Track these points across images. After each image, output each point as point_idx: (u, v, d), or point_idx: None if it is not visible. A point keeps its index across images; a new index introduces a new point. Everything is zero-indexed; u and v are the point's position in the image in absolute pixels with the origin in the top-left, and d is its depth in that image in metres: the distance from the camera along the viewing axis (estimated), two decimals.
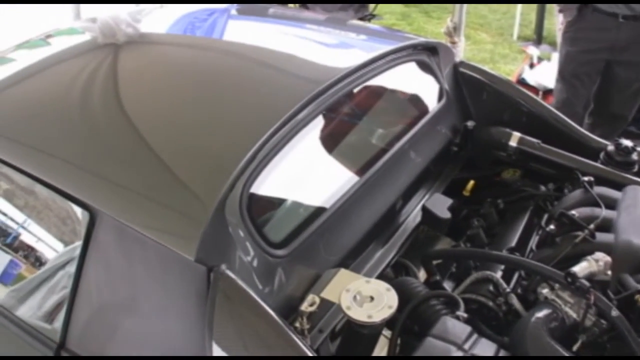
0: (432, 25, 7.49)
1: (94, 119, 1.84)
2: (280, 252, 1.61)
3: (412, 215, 2.15)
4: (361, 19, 4.89)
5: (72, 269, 1.71)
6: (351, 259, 1.87)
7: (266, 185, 1.65)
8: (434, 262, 2.05)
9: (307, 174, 1.86)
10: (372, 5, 5.92)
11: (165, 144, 1.71)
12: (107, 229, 1.57)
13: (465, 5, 4.34)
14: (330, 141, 1.96)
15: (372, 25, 2.86)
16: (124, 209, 1.57)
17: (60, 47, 2.43)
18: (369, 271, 1.89)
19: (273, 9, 2.94)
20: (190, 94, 1.89)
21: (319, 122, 1.86)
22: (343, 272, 1.66)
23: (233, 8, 2.81)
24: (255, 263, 1.55)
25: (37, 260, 1.86)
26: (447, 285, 2.03)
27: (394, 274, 2.02)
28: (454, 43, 4.18)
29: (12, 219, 1.90)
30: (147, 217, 1.56)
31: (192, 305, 1.46)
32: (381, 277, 1.88)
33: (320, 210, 1.77)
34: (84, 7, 5.40)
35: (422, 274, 2.06)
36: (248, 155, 1.58)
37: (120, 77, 2.03)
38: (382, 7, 6.40)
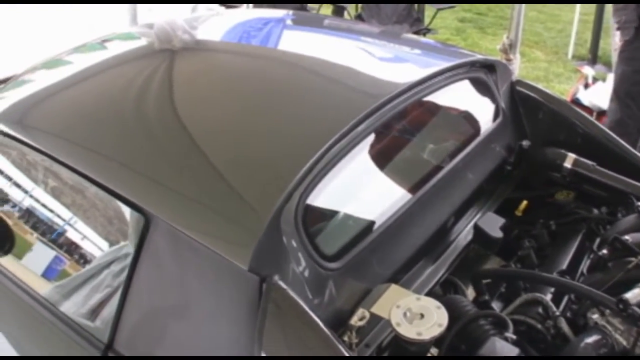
0: (486, 42, 7.43)
1: (151, 124, 1.85)
2: (332, 265, 1.59)
3: (464, 234, 2.12)
4: (416, 32, 4.89)
5: (117, 268, 1.73)
6: (401, 275, 1.85)
7: (321, 198, 1.63)
8: (484, 281, 2.01)
9: (361, 188, 1.85)
10: (427, 20, 5.93)
11: (222, 152, 1.71)
12: (161, 234, 1.57)
13: (521, 23, 4.30)
14: (386, 156, 1.95)
15: (429, 39, 2.83)
16: (179, 215, 1.58)
17: (116, 51, 2.47)
18: (418, 288, 1.87)
19: (328, 19, 2.95)
20: (247, 103, 1.89)
21: (375, 137, 1.84)
22: (394, 288, 1.64)
23: (289, 18, 2.81)
24: (307, 275, 1.53)
25: (81, 258, 1.88)
26: (496, 306, 1.99)
27: (442, 291, 1.99)
28: (509, 60, 4.13)
29: (59, 216, 1.93)
30: (201, 224, 1.56)
31: (242, 314, 1.45)
32: (430, 294, 1.85)
33: (373, 225, 1.75)
34: (140, 12, 5.48)
35: (470, 292, 2.03)
36: (307, 166, 1.57)
37: (176, 83, 2.05)
38: (436, 22, 6.39)
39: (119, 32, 2.70)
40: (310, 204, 1.59)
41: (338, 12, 6.15)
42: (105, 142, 1.82)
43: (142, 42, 2.48)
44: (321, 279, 1.57)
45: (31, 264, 1.97)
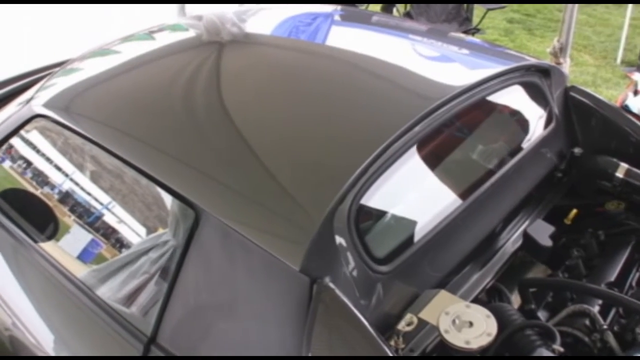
0: (534, 44, 7.33)
1: (203, 118, 1.84)
2: (383, 268, 1.57)
3: (512, 240, 2.08)
4: (465, 32, 4.83)
5: (155, 255, 1.73)
6: (447, 280, 1.83)
7: (374, 200, 1.61)
8: (530, 290, 1.97)
9: (412, 191, 1.82)
10: (476, 19, 5.86)
11: (276, 149, 1.70)
12: (211, 230, 1.56)
13: (572, 26, 4.22)
14: (438, 160, 1.92)
15: (480, 40, 2.78)
16: (231, 211, 1.57)
17: (165, 42, 2.47)
18: (464, 294, 1.84)
19: (378, 16, 2.91)
20: (301, 100, 1.88)
21: (428, 140, 1.81)
22: (443, 294, 1.62)
23: (338, 13, 2.78)
24: (357, 277, 1.52)
25: (117, 243, 1.89)
26: (541, 315, 1.96)
27: (487, 298, 1.95)
28: (559, 64, 4.06)
29: (99, 201, 1.95)
30: (253, 222, 1.55)
31: (291, 315, 1.43)
32: (475, 300, 1.83)
33: (424, 230, 1.72)
34: (189, 5, 5.51)
35: (514, 299, 1.99)
36: (362, 167, 1.55)
37: (226, 77, 2.04)
38: (485, 22, 6.32)
39: (168, 24, 2.70)
40: (363, 206, 1.57)
41: (387, 10, 6.12)
42: (156, 135, 1.82)
43: (191, 33, 2.48)
44: (371, 282, 1.55)
45: (69, 247, 1.98)
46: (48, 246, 1.99)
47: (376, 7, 6.65)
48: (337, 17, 2.72)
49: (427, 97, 1.83)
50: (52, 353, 1.89)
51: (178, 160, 1.73)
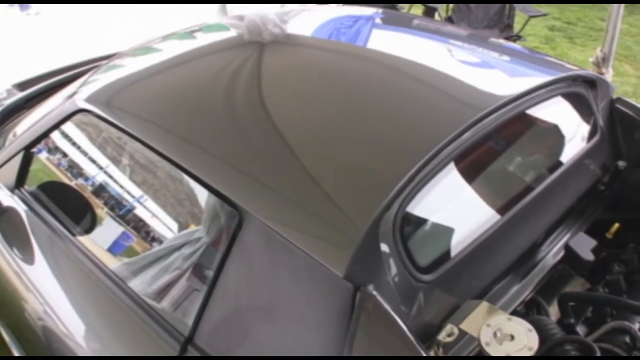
0: (575, 52, 7.24)
1: (246, 118, 1.83)
2: (425, 277, 1.56)
3: (552, 253, 2.05)
4: (506, 39, 4.78)
5: (187, 251, 1.74)
6: (487, 291, 1.80)
7: (418, 209, 1.60)
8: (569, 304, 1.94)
9: (456, 201, 1.80)
10: (517, 27, 5.80)
11: (321, 153, 1.68)
12: (254, 233, 1.55)
13: (616, 36, 4.15)
14: (481, 170, 1.89)
15: (525, 47, 2.74)
16: (275, 215, 1.56)
17: (207, 41, 2.47)
18: (503, 305, 1.83)
19: (420, 20, 2.89)
20: (345, 103, 1.86)
21: (472, 150, 1.78)
22: (485, 306, 1.60)
23: (378, 16, 2.76)
24: (400, 286, 1.50)
25: (148, 236, 1.91)
26: (580, 330, 1.93)
27: (525, 310, 1.93)
28: (601, 74, 3.98)
29: (135, 196, 1.96)
30: (297, 226, 1.54)
31: (333, 321, 1.42)
32: (514, 312, 1.81)
33: (467, 240, 1.70)
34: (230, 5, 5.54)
35: (551, 311, 1.96)
36: (408, 175, 1.53)
37: (269, 78, 2.03)
38: (526, 29, 6.26)
39: (209, 23, 2.71)
40: (408, 214, 1.55)
41: (429, 13, 6.09)
42: (200, 134, 1.81)
43: (232, 33, 2.48)
44: (413, 291, 1.53)
45: (104, 239, 2.00)
46: (84, 238, 2.01)
47: (418, 11, 6.61)
48: (379, 20, 2.71)
49: (475, 105, 1.80)
50: (82, 343, 1.91)
51: (223, 160, 1.73)
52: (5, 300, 2.32)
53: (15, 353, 2.49)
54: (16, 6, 9.24)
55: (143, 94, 2.06)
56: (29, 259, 2.11)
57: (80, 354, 1.89)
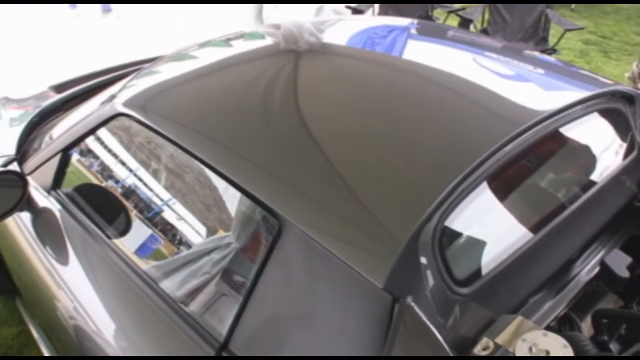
0: (610, 67, 7.18)
1: (286, 127, 1.84)
2: (463, 290, 1.55)
3: (587, 269, 2.03)
4: (541, 52, 4.75)
5: (217, 256, 1.75)
6: (522, 306, 1.79)
7: (457, 221, 1.59)
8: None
9: (494, 215, 1.79)
10: (552, 40, 5.77)
11: (361, 163, 1.68)
12: (294, 241, 1.56)
13: None
14: (519, 185, 1.88)
15: (562, 61, 2.72)
16: (315, 224, 1.56)
17: (244, 49, 2.49)
18: (537, 320, 1.81)
19: (456, 31, 2.88)
20: (385, 114, 1.86)
21: (511, 164, 1.78)
22: (521, 320, 1.58)
23: (413, 27, 2.76)
24: (437, 298, 1.49)
25: (182, 240, 1.92)
26: (613, 348, 1.90)
27: (557, 326, 1.91)
28: (638, 89, 3.95)
29: (169, 199, 1.98)
30: (337, 236, 1.53)
31: (370, 332, 1.42)
32: (547, 328, 1.79)
33: (505, 254, 1.69)
34: (266, 9, 5.58)
35: (584, 327, 1.94)
36: (450, 187, 1.53)
37: (306, 87, 2.04)
38: (560, 43, 6.21)
39: (245, 31, 2.73)
40: (447, 226, 1.55)
41: (464, 25, 6.08)
42: (240, 141, 1.81)
43: (268, 41, 2.49)
44: (450, 304, 1.52)
45: (137, 241, 2.02)
46: (117, 240, 2.04)
47: (453, 22, 6.60)
48: (415, 31, 2.71)
49: (514, 119, 1.79)
50: (111, 341, 1.92)
51: (263, 169, 1.73)
52: (38, 299, 2.35)
53: (44, 350, 2.52)
54: (98, 9, 9.43)
55: (182, 100, 2.07)
56: (62, 259, 2.14)
57: (110, 352, 1.90)
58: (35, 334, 2.64)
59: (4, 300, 3.37)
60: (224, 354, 1.63)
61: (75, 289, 2.06)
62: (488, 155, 1.63)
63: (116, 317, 1.95)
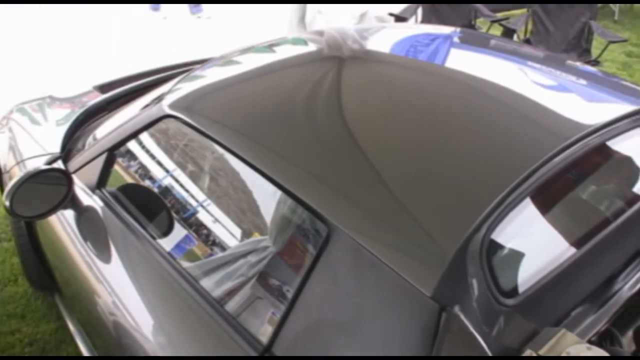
0: None
1: (334, 134, 1.84)
2: (508, 301, 1.54)
3: (630, 284, 2.01)
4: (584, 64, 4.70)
5: (254, 259, 1.76)
6: (564, 319, 1.78)
7: (505, 232, 1.58)
8: None
9: (540, 228, 1.78)
10: (595, 52, 5.70)
11: (410, 171, 1.68)
12: (343, 247, 1.56)
13: None
14: (565, 198, 1.86)
15: (608, 73, 2.68)
16: (364, 231, 1.56)
17: (287, 55, 2.50)
18: (579, 334, 1.78)
19: (499, 41, 2.86)
20: (433, 122, 1.85)
21: (560, 176, 1.76)
22: (565, 333, 1.57)
23: (457, 36, 2.76)
24: (483, 308, 1.48)
25: (215, 240, 1.94)
26: None
27: (598, 340, 1.89)
28: None
29: (208, 199, 2.00)
30: (386, 243, 1.53)
31: (416, 340, 1.42)
32: (588, 342, 1.77)
33: (550, 266, 1.68)
34: (309, 13, 5.57)
35: (624, 342, 1.92)
36: (500, 197, 1.53)
37: (352, 93, 2.03)
38: (603, 55, 6.14)
39: (288, 37, 2.74)
40: (494, 238, 1.54)
41: (507, 34, 6.04)
42: (289, 147, 1.83)
43: (312, 47, 2.50)
44: (495, 314, 1.52)
45: (178, 241, 2.03)
46: (160, 240, 2.06)
47: (496, 31, 6.56)
48: (459, 40, 2.70)
49: (562, 132, 1.78)
50: (149, 336, 1.94)
51: (312, 174, 1.73)
52: (78, 294, 2.38)
53: (81, 346, 2.55)
54: (186, 10, 9.49)
55: (230, 103, 2.08)
56: (104, 256, 2.17)
57: (148, 347, 1.92)
58: (73, 329, 2.67)
59: (43, 296, 3.42)
60: (266, 355, 1.63)
61: (116, 285, 2.09)
62: (536, 167, 1.62)
63: (155, 314, 1.96)
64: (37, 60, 7.22)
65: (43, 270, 3.07)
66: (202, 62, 2.64)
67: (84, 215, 2.34)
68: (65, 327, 2.97)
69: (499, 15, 6.91)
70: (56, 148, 2.74)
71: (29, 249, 3.06)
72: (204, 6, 9.47)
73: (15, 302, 3.40)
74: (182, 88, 2.25)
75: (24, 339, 3.13)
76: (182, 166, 2.10)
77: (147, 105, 2.33)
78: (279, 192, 1.74)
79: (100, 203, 2.28)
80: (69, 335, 2.74)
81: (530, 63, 2.40)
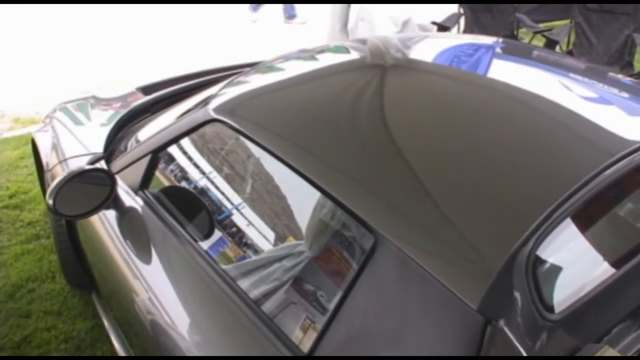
0: None
1: (381, 143, 1.83)
2: (552, 316, 1.52)
3: None
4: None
5: (289, 263, 1.76)
6: (606, 335, 1.76)
7: (550, 247, 1.56)
8: None
9: (585, 242, 1.76)
10: (637, 65, 5.62)
11: (457, 181, 1.67)
12: (389, 257, 1.55)
13: None
14: (611, 212, 1.84)
15: None
16: (411, 241, 1.55)
17: (331, 62, 2.51)
18: (620, 351, 1.76)
19: (539, 51, 2.84)
20: (480, 132, 1.84)
21: (608, 190, 1.74)
22: (607, 350, 1.55)
23: (501, 46, 2.74)
24: (527, 323, 1.47)
25: (246, 243, 1.95)
26: None
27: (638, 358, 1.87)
28: None
29: (251, 203, 2.01)
30: (433, 254, 1.53)
31: (460, 353, 1.41)
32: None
33: (595, 282, 1.66)
34: (352, 20, 5.59)
35: None
36: (548, 211, 1.51)
37: (397, 102, 2.02)
38: None
39: (331, 45, 2.74)
40: (540, 252, 1.53)
41: (550, 46, 5.99)
42: (335, 154, 1.82)
43: (355, 55, 2.50)
44: (538, 329, 1.50)
45: (215, 244, 2.04)
46: (200, 242, 2.07)
47: (539, 43, 6.51)
48: (503, 50, 2.68)
49: (610, 146, 1.77)
50: (185, 335, 1.95)
51: (359, 183, 1.73)
52: (117, 293, 2.40)
53: (116, 345, 2.57)
54: (281, 16, 9.52)
55: (276, 109, 2.09)
56: (145, 257, 2.19)
57: (183, 345, 1.93)
58: (109, 328, 2.69)
59: (79, 294, 3.46)
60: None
61: (155, 284, 2.10)
62: (584, 182, 1.60)
63: (192, 313, 1.98)
64: (129, 55, 7.77)
65: (81, 268, 3.10)
66: (243, 67, 2.65)
67: (125, 215, 2.36)
68: (100, 326, 3.01)
69: (542, 25, 6.86)
70: (99, 148, 2.78)
71: (68, 246, 3.09)
72: (299, 11, 9.43)
73: (52, 299, 3.44)
74: (228, 93, 2.27)
75: (59, 336, 3.16)
76: (225, 170, 2.11)
77: (192, 109, 2.35)
78: (321, 199, 1.74)
79: (142, 204, 2.30)
80: (105, 333, 2.77)
81: (574, 75, 2.37)
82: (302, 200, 1.83)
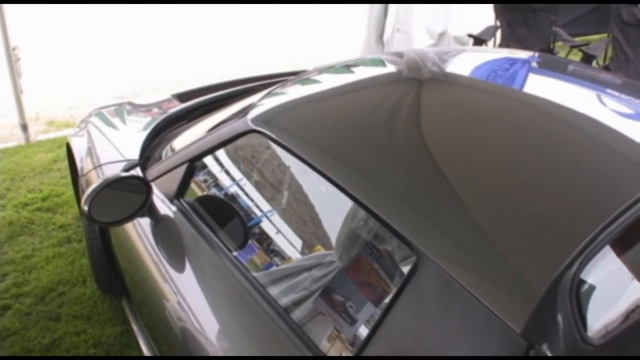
0: None
1: (423, 159, 1.82)
2: (594, 341, 1.48)
3: None
4: None
5: (318, 273, 1.75)
6: None
7: (594, 270, 1.53)
8: None
9: (628, 266, 1.73)
10: None
11: (500, 201, 1.65)
12: (431, 277, 1.54)
13: None
14: None
15: None
16: (454, 261, 1.53)
17: (367, 75, 2.50)
18: None
19: (577, 66, 2.81)
20: (522, 150, 1.81)
21: None
22: None
23: (537, 60, 2.71)
24: (569, 347, 1.43)
25: (281, 253, 1.95)
26: None
27: None
28: None
29: (280, 213, 2.01)
30: (476, 275, 1.51)
31: None
32: None
33: (636, 307, 1.63)
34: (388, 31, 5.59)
35: None
36: (592, 234, 1.49)
37: (437, 117, 2.00)
38: None
39: (367, 58, 2.73)
40: (584, 275, 1.50)
41: (587, 61, 5.95)
42: (376, 170, 1.81)
43: (391, 68, 2.49)
44: (580, 354, 1.47)
45: (245, 252, 2.06)
46: (234, 252, 2.07)
47: (575, 57, 6.46)
48: (540, 65, 2.65)
49: None
50: (214, 341, 1.95)
51: (400, 199, 1.71)
52: (148, 299, 2.41)
53: (145, 350, 2.57)
54: None
55: (315, 121, 2.09)
56: (178, 265, 2.19)
57: (211, 351, 1.93)
58: (138, 334, 2.70)
59: (110, 299, 3.48)
60: None
61: (186, 292, 2.10)
62: (629, 205, 1.57)
63: (222, 321, 1.98)
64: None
65: (112, 273, 3.12)
66: (277, 76, 2.65)
67: (160, 223, 2.37)
68: (130, 332, 3.01)
69: (578, 39, 6.81)
70: (134, 154, 2.79)
71: (100, 251, 3.11)
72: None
73: (82, 303, 3.46)
74: (267, 104, 2.27)
75: (88, 340, 3.18)
76: (262, 181, 2.12)
77: (229, 119, 2.35)
78: (361, 214, 1.73)
79: (177, 212, 2.30)
80: (134, 339, 2.77)
81: (613, 91, 2.34)
82: (342, 214, 1.82)
